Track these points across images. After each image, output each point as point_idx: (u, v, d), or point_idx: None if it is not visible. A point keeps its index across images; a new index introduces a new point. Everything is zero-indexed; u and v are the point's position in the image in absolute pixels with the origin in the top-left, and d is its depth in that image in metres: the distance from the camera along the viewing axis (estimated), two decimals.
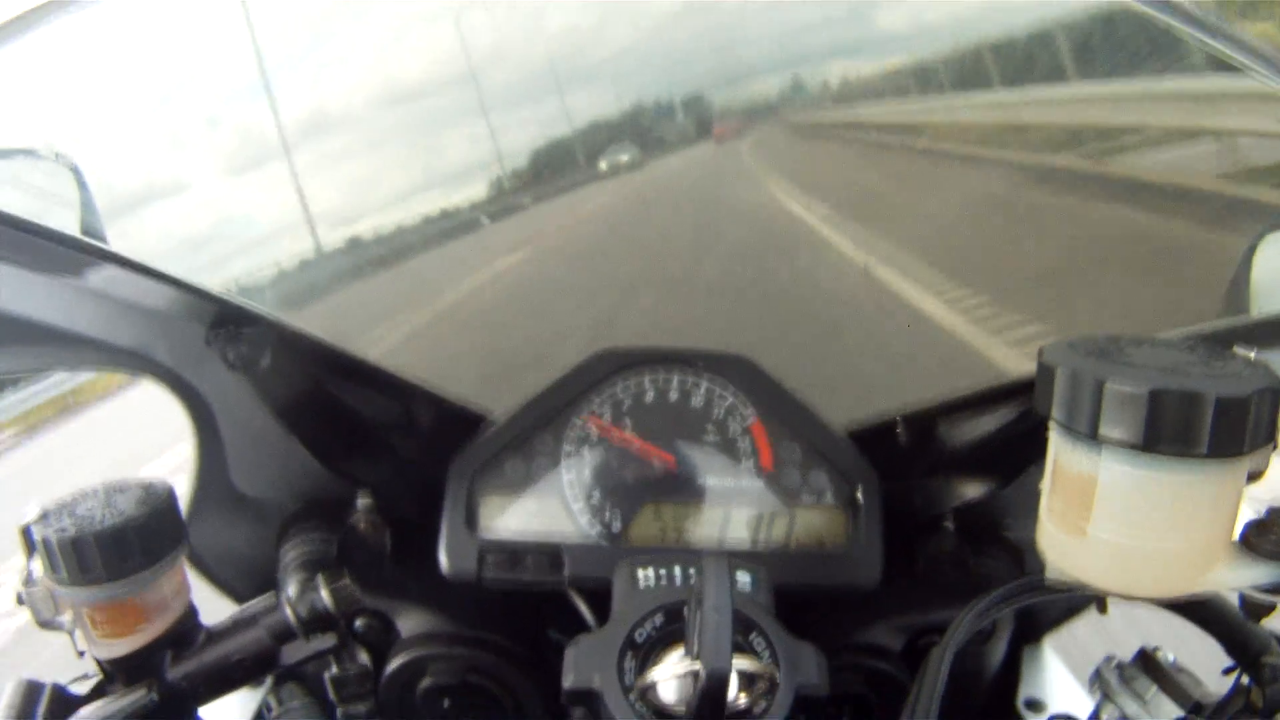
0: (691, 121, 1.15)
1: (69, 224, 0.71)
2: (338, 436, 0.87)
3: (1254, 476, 0.53)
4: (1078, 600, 0.91)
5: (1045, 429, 0.58)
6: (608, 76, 1.04)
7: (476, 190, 1.12)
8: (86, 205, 0.72)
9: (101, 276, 0.70)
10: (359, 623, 0.86)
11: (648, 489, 0.83)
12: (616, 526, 0.82)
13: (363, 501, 0.87)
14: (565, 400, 0.85)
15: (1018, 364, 1.11)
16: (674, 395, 0.85)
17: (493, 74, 0.99)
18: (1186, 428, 0.48)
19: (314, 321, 0.84)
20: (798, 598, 0.77)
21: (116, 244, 0.71)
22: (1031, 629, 1.00)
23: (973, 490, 0.85)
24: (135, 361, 0.80)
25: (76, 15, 0.70)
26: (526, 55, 0.98)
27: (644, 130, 1.14)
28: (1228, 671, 0.72)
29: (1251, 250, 0.79)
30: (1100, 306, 1.07)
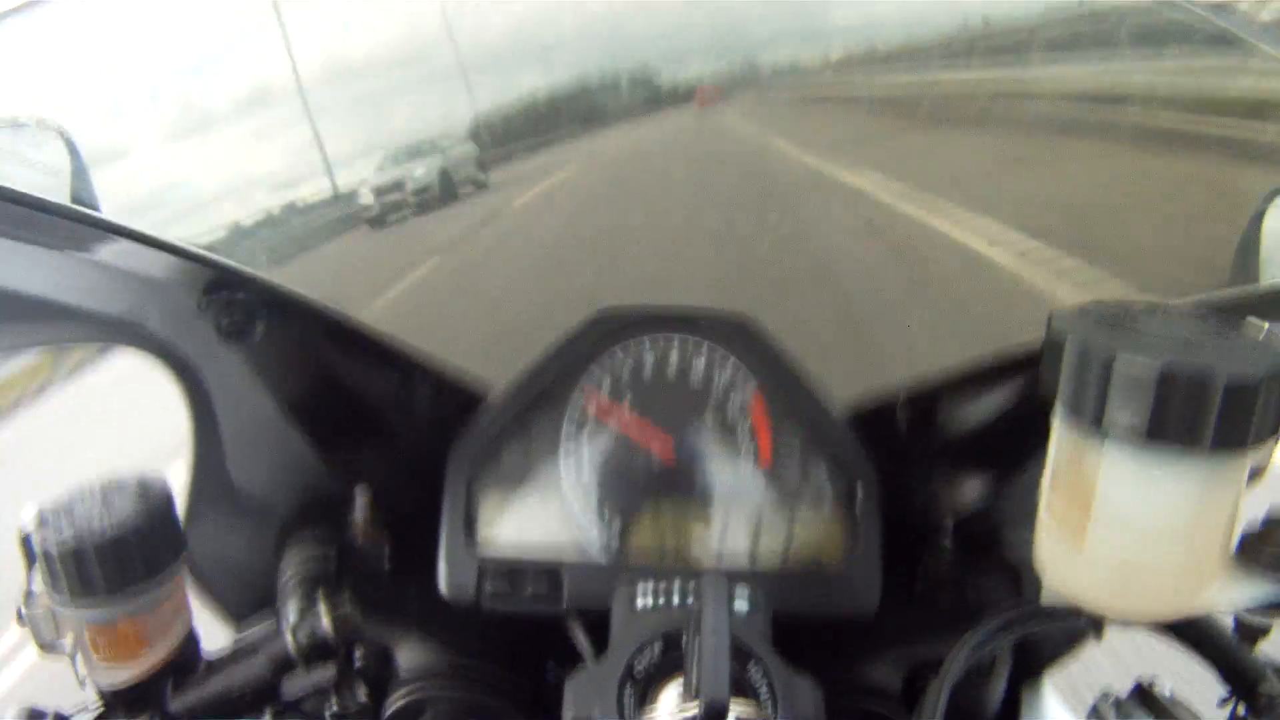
0: (640, 95, 1.12)
1: (59, 192, 0.70)
2: (335, 419, 0.87)
3: (1254, 475, 0.53)
4: (1075, 632, 0.91)
5: (1049, 412, 0.58)
6: (563, 54, 1.04)
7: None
8: (78, 173, 0.71)
9: (90, 245, 0.69)
10: (358, 655, 0.85)
11: (647, 487, 0.83)
12: (616, 529, 0.82)
13: (361, 500, 0.87)
14: (563, 369, 0.84)
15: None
16: (674, 361, 0.85)
17: (449, 49, 0.99)
18: (1193, 414, 0.48)
19: (310, 286, 0.83)
20: (796, 623, 0.77)
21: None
22: (1030, 665, 0.99)
23: (973, 489, 0.85)
24: (126, 332, 0.79)
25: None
26: (479, 33, 0.98)
27: (600, 104, 1.12)
28: (1224, 702, 0.73)
29: (1260, 214, 0.79)
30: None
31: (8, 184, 0.62)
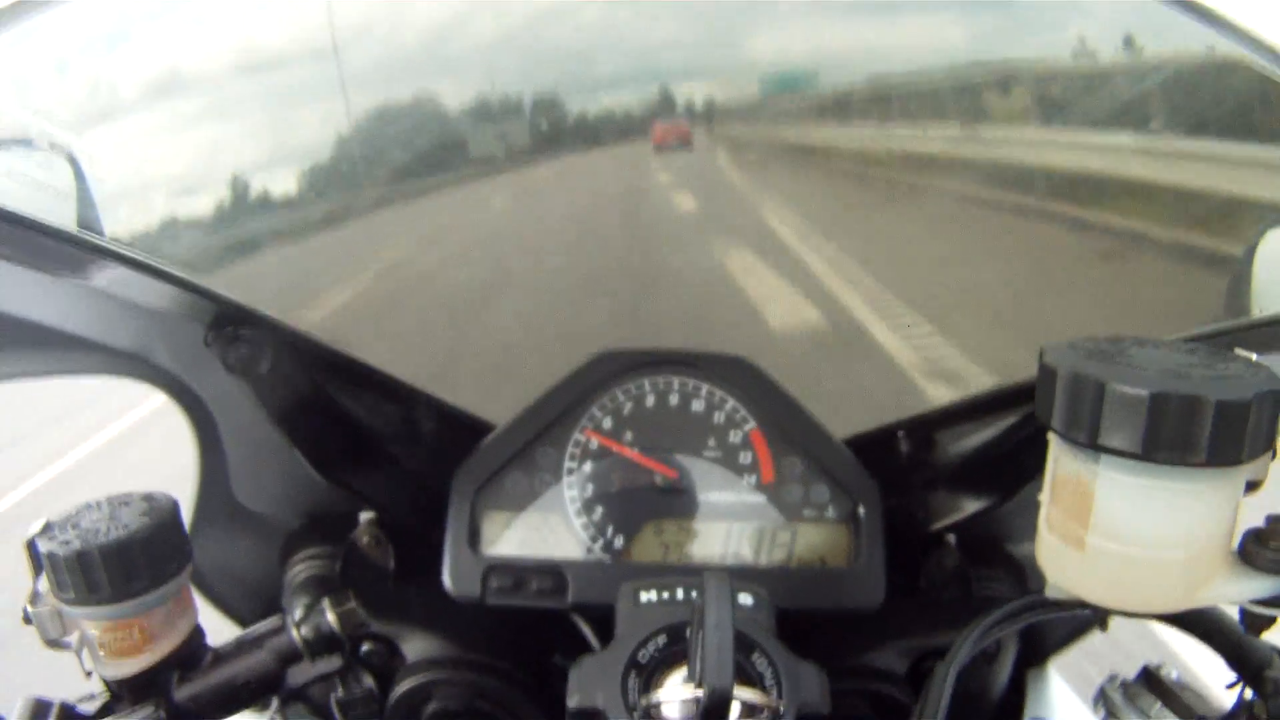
0: (545, 124, 1.03)
1: (65, 218, 0.70)
2: (339, 446, 0.87)
3: (1252, 487, 0.53)
4: (1081, 621, 0.91)
5: (1046, 435, 0.58)
6: (473, 68, 0.99)
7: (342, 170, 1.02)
8: (83, 199, 0.71)
9: (99, 274, 0.70)
10: (365, 647, 0.86)
11: (650, 505, 0.84)
12: (619, 545, 0.83)
13: (365, 517, 0.88)
14: (566, 406, 0.85)
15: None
16: (674, 400, 0.86)
17: (357, 52, 0.96)
18: (1186, 434, 0.48)
19: (315, 323, 0.84)
20: (800, 618, 0.77)
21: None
22: (1036, 651, 1.00)
23: (975, 504, 0.85)
24: (135, 365, 0.80)
25: None
26: (393, 37, 0.94)
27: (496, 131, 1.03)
28: (1231, 686, 0.73)
29: (1252, 249, 0.79)
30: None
31: (19, 208, 0.62)
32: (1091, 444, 0.52)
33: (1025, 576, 0.88)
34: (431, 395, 0.91)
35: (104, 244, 0.68)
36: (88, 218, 0.71)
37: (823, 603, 0.81)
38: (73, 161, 0.73)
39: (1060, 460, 0.57)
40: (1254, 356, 0.53)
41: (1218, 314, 0.81)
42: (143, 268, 0.69)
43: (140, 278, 0.70)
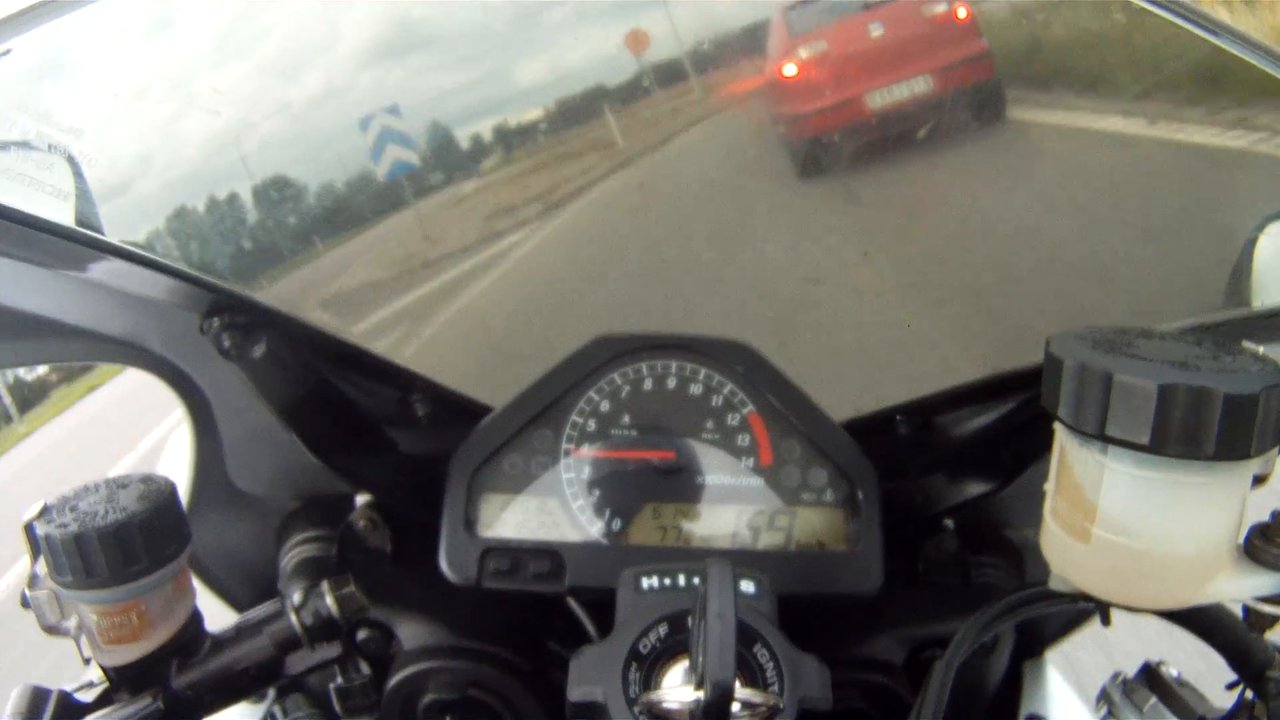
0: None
1: (64, 214, 0.70)
2: (336, 430, 0.87)
3: (1259, 481, 0.53)
4: (1079, 613, 0.91)
5: (1048, 422, 0.58)
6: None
7: None
8: (82, 195, 0.72)
9: (95, 266, 0.70)
10: (361, 634, 0.85)
11: (648, 488, 0.84)
12: (617, 527, 0.83)
13: (362, 499, 0.87)
14: (563, 389, 0.85)
15: None
16: (672, 383, 0.85)
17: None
18: (1195, 427, 0.48)
19: (310, 305, 0.84)
20: (799, 604, 0.77)
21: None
22: (1032, 642, 1.00)
23: (974, 488, 0.85)
24: (129, 352, 0.81)
25: None
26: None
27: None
28: (1231, 686, 0.73)
29: (1253, 241, 0.79)
30: None
31: (16, 205, 0.62)
32: (1099, 435, 0.51)
33: (1024, 563, 0.88)
34: (428, 378, 0.90)
35: (99, 237, 0.69)
36: (87, 215, 0.72)
37: (822, 587, 0.81)
38: (71, 162, 0.73)
39: (1066, 450, 0.57)
40: (1261, 349, 0.53)
41: (1221, 304, 0.82)
42: (138, 259, 0.69)
43: (135, 269, 0.70)
